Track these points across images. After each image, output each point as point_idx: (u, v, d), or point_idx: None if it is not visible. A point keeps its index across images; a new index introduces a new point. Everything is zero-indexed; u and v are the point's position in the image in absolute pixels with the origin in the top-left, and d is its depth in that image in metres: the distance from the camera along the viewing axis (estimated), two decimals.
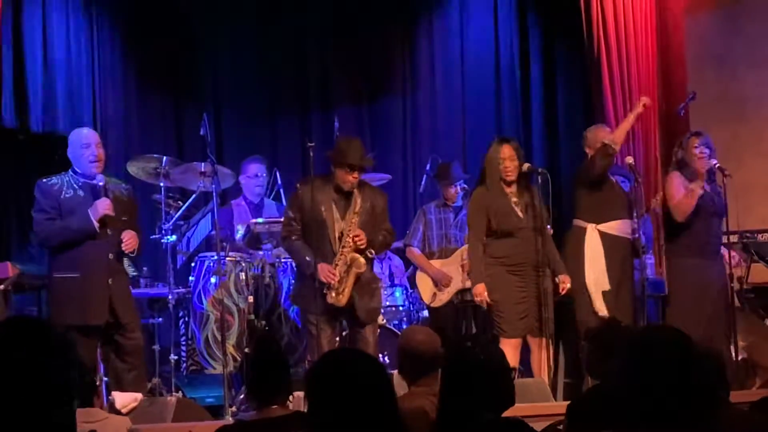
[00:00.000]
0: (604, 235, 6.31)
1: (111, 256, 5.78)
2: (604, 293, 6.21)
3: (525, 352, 6.24)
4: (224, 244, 6.93)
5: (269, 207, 7.46)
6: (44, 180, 5.87)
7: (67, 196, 5.78)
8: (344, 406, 2.43)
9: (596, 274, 6.24)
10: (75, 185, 5.81)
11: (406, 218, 8.17)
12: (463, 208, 7.20)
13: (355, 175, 5.92)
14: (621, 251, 6.36)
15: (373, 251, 5.96)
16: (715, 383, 3.20)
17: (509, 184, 6.18)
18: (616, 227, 6.37)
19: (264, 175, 7.48)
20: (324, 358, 2.68)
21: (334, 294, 5.82)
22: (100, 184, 5.81)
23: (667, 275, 6.56)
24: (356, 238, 5.83)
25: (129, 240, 5.79)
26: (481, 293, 6.02)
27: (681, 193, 6.36)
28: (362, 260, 5.85)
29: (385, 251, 7.36)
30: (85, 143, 5.87)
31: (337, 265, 5.83)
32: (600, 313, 6.14)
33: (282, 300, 6.92)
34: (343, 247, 5.85)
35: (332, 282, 5.80)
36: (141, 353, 5.92)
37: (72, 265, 5.76)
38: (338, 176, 5.94)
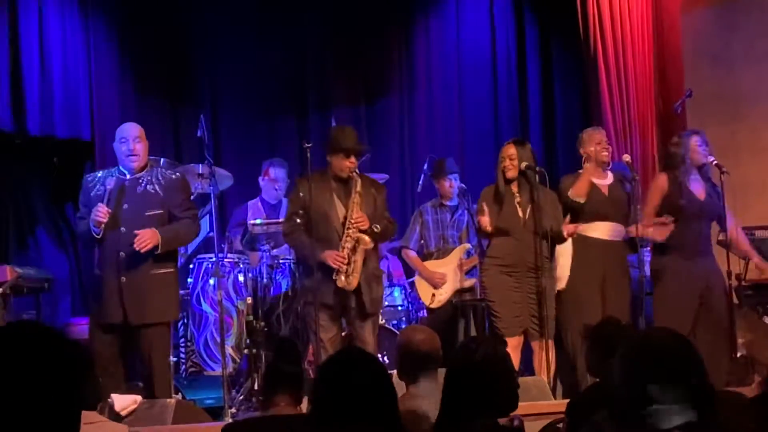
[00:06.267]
0: (579, 237, 6.32)
1: (122, 254, 5.63)
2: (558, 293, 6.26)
3: (526, 351, 6.26)
4: (223, 245, 6.93)
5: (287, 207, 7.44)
6: (88, 176, 5.88)
7: (98, 193, 5.70)
8: (347, 407, 2.46)
9: (559, 274, 6.29)
10: (107, 181, 5.72)
11: (403, 218, 8.16)
12: (459, 208, 7.23)
13: (352, 160, 5.96)
14: (602, 254, 6.34)
15: (378, 226, 5.93)
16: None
17: (510, 182, 6.23)
18: (599, 229, 6.36)
19: (284, 179, 7.45)
20: (332, 360, 2.72)
21: (343, 277, 5.81)
22: (109, 187, 5.68)
23: (651, 274, 6.56)
24: (359, 219, 5.83)
25: (139, 239, 5.55)
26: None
27: (654, 207, 6.37)
28: (368, 238, 5.84)
29: (386, 247, 7.39)
30: (123, 137, 5.78)
31: (344, 248, 5.83)
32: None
33: (280, 301, 6.92)
34: (348, 228, 5.85)
35: (341, 266, 5.79)
36: (158, 358, 5.71)
37: (97, 263, 5.79)
38: (335, 164, 5.96)
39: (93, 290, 5.92)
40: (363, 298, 5.88)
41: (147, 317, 5.68)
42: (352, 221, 5.85)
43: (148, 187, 5.75)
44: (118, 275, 5.64)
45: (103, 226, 5.58)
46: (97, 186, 5.75)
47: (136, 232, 5.58)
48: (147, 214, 5.69)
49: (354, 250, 5.84)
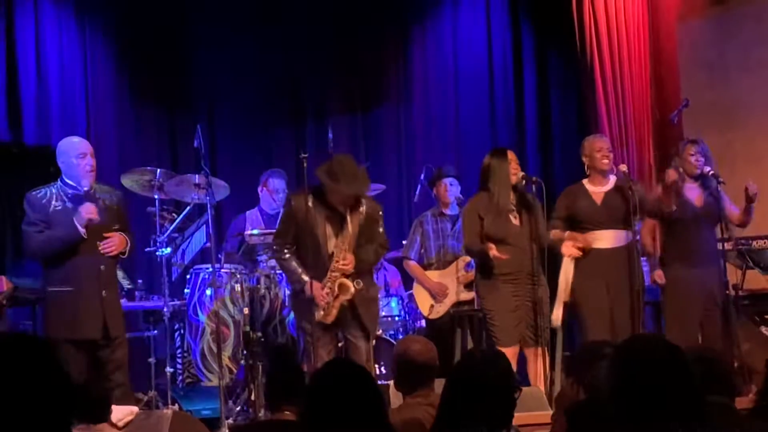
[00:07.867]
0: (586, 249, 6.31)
1: (103, 267, 5.65)
2: (564, 304, 6.23)
3: (521, 361, 6.25)
4: (219, 255, 6.93)
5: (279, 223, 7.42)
6: (33, 192, 5.75)
7: (56, 209, 5.64)
8: (334, 417, 2.50)
9: (562, 285, 6.26)
10: (64, 197, 5.68)
11: (400, 228, 8.18)
12: (459, 218, 7.20)
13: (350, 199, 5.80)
14: (605, 263, 6.30)
15: (360, 282, 5.81)
16: (710, 388, 3.19)
17: (513, 188, 6.22)
18: (597, 239, 6.34)
19: (284, 189, 7.42)
20: (322, 370, 2.75)
21: (322, 312, 5.74)
22: (85, 189, 5.65)
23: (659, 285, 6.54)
24: (344, 263, 5.72)
25: (108, 243, 5.65)
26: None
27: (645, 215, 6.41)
28: (351, 288, 5.73)
29: (386, 257, 7.38)
30: (81, 153, 5.72)
31: (326, 286, 5.73)
32: (554, 323, 6.16)
33: (277, 311, 6.91)
34: (333, 271, 5.72)
35: (322, 304, 5.73)
36: (126, 369, 5.76)
37: (65, 278, 5.63)
38: (332, 194, 5.75)
39: (61, 306, 5.65)
40: (363, 319, 5.79)
41: (121, 330, 5.77)
42: (338, 264, 5.72)
43: (106, 201, 5.80)
44: (100, 289, 5.64)
45: (91, 226, 5.59)
46: (53, 202, 5.69)
47: (106, 235, 5.66)
48: (114, 228, 5.75)
49: (336, 296, 5.72)
